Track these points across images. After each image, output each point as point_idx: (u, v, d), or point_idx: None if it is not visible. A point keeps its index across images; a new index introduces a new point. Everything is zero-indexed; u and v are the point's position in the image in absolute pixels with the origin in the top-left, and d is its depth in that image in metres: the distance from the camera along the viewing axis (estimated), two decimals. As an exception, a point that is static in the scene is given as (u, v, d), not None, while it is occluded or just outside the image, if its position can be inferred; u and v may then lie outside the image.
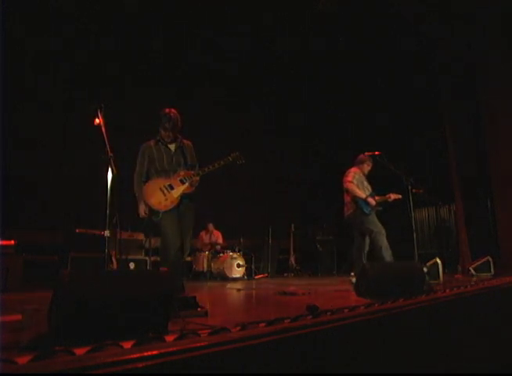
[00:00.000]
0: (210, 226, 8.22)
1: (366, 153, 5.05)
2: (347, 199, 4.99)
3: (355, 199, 4.84)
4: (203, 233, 8.20)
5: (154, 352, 1.12)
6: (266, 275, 8.42)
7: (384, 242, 4.67)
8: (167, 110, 3.25)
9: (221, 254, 7.62)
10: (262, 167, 9.96)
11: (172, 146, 3.32)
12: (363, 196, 4.81)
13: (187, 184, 3.19)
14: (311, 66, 8.81)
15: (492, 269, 5.92)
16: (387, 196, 4.94)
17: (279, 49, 8.08)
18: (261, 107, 9.82)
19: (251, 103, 9.53)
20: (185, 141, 3.39)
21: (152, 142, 3.33)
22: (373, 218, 4.83)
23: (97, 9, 6.52)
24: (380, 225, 4.80)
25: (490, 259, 6.01)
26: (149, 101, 7.86)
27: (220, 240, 8.20)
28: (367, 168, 5.09)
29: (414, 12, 7.05)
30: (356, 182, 4.91)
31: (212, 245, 8.00)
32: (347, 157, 5.71)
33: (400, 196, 4.93)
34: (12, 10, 5.69)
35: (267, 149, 10.19)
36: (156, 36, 7.32)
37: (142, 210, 3.22)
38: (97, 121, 2.98)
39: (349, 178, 4.92)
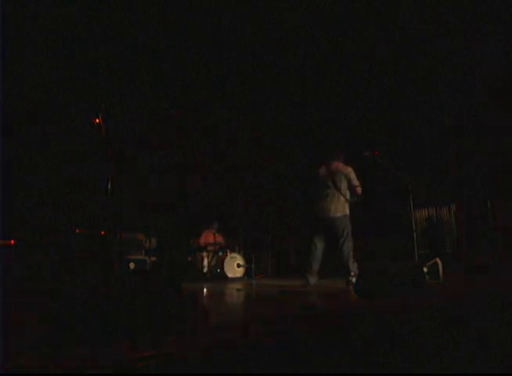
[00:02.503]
0: (215, 226, 8.21)
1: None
2: (340, 198, 4.77)
3: (347, 201, 4.77)
4: (207, 232, 8.17)
5: (154, 352, 1.12)
6: (265, 275, 8.42)
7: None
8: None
9: (221, 254, 7.62)
10: (262, 166, 9.97)
11: None
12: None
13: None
14: (308, 63, 8.79)
15: (492, 270, 5.93)
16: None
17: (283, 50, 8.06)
18: (260, 107, 9.82)
19: (250, 102, 9.52)
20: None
21: None
22: None
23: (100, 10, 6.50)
24: None
25: (490, 259, 6.02)
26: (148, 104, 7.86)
27: (222, 240, 8.21)
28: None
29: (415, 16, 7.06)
30: None
31: (215, 245, 7.99)
32: (348, 156, 5.70)
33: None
34: (13, 11, 5.69)
35: (266, 149, 10.20)
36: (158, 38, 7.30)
37: None
38: (97, 120, 2.99)
39: (357, 181, 4.74)
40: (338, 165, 4.90)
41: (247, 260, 7.78)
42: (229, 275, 7.30)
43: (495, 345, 2.74)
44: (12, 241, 5.08)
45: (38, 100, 6.72)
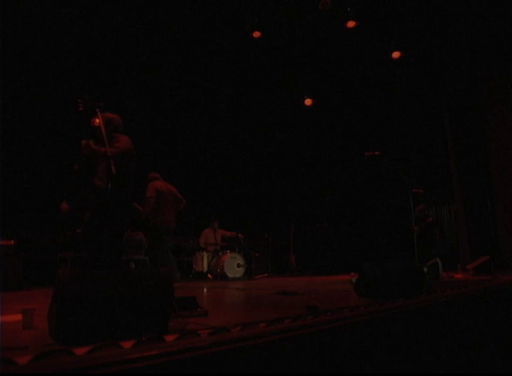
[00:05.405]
0: (216, 224, 8.17)
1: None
2: None
3: None
4: (207, 231, 8.14)
5: (154, 352, 1.12)
6: (266, 275, 8.42)
7: None
8: None
9: (221, 254, 7.62)
10: (262, 166, 9.97)
11: None
12: None
13: None
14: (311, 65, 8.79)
15: (492, 270, 5.92)
16: None
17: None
18: (260, 107, 9.81)
19: (251, 102, 9.53)
20: None
21: None
22: None
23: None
24: None
25: (490, 259, 6.01)
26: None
27: (228, 234, 8.17)
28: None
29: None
30: None
31: (215, 245, 7.97)
32: (347, 157, 5.71)
33: None
34: (16, 12, 5.67)
35: (265, 149, 10.20)
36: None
37: None
38: (97, 121, 2.99)
39: None
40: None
41: (247, 260, 7.77)
42: (229, 275, 7.30)
43: (495, 344, 2.74)
44: (12, 241, 5.07)
45: (37, 101, 6.71)
